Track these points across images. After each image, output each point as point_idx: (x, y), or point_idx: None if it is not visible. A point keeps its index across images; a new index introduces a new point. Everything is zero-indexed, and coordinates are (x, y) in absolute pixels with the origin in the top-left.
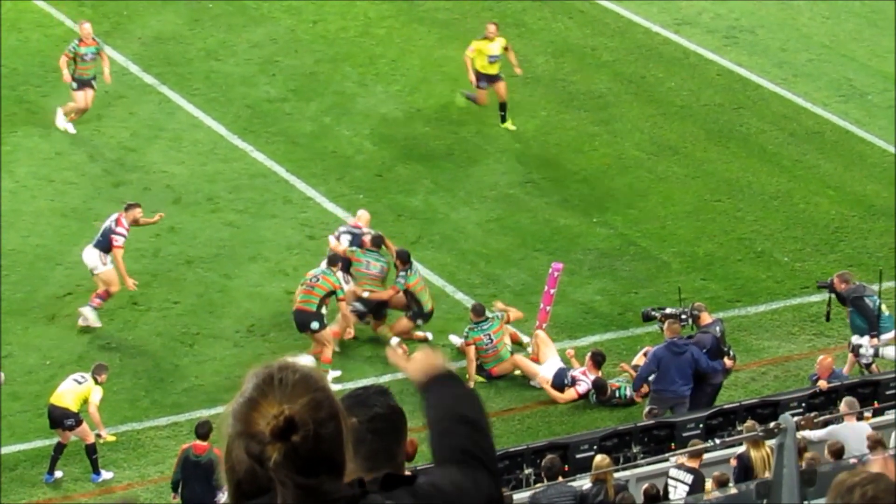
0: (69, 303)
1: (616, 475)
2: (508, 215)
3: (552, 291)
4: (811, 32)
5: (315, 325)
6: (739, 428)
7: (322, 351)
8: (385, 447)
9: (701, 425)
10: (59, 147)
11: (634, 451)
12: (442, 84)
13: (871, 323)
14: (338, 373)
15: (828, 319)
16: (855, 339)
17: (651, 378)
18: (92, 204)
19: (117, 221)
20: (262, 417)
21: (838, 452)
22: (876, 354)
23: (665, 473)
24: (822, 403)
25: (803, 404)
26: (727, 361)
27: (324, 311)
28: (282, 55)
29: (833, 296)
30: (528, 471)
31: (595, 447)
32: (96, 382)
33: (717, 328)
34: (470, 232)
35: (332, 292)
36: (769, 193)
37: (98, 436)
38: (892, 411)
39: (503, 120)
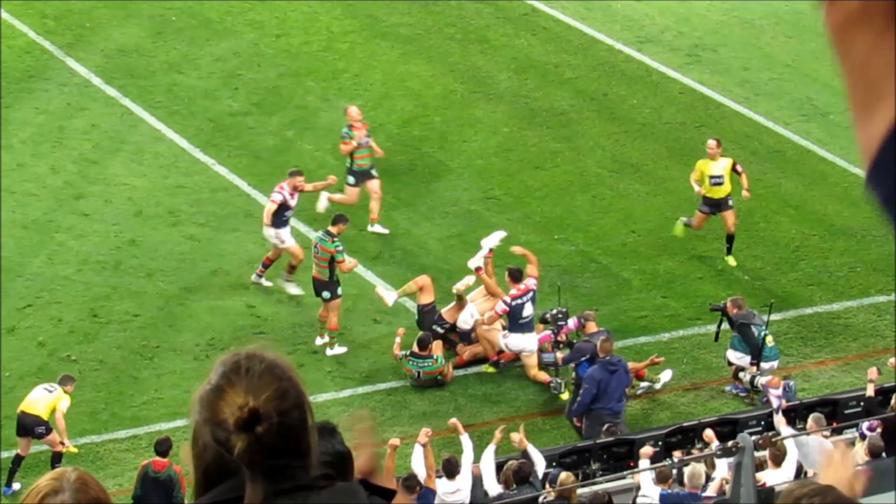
0: (29, 314)
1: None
2: (470, 231)
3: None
4: (773, 52)
5: (326, 294)
6: (699, 445)
7: (330, 318)
8: None
9: (660, 443)
10: (20, 158)
11: (594, 467)
12: (404, 100)
13: (752, 351)
14: (344, 349)
15: (716, 340)
16: (731, 356)
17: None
18: (53, 216)
19: (279, 186)
20: (227, 406)
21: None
22: (752, 381)
23: (625, 490)
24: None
25: (762, 423)
26: None
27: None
28: (245, 69)
29: (725, 318)
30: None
31: (554, 463)
32: (64, 392)
33: (602, 338)
34: (431, 247)
35: (332, 258)
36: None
37: (61, 444)
38: (851, 430)
39: (728, 252)
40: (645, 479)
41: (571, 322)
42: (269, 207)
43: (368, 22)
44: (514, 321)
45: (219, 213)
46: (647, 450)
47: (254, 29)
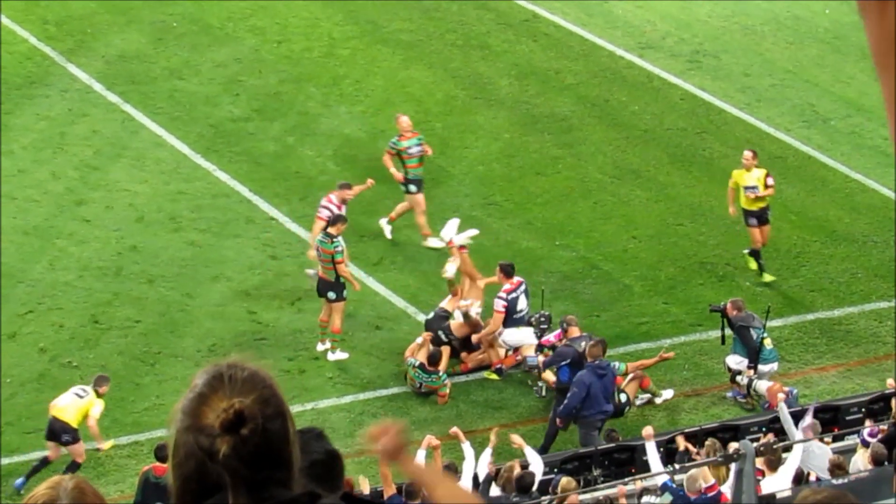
0: (30, 321)
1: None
2: None
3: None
4: (774, 58)
5: (332, 294)
6: (700, 451)
7: (333, 320)
8: (323, 491)
9: (661, 449)
10: (21, 164)
11: (595, 474)
12: (405, 105)
13: (750, 354)
14: (345, 355)
15: (722, 343)
16: (730, 361)
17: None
18: (54, 222)
19: (327, 199)
20: (212, 411)
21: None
22: (749, 384)
23: (627, 496)
24: (782, 428)
25: (763, 429)
26: None
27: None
28: (246, 75)
29: (725, 320)
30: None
31: (556, 470)
32: (97, 395)
33: (583, 343)
34: (432, 254)
35: (332, 257)
36: (731, 218)
37: (97, 449)
38: (853, 436)
39: (760, 268)
40: (653, 460)
41: (553, 336)
42: (318, 225)
43: (369, 28)
44: (509, 316)
45: (220, 218)
46: (648, 430)
47: (255, 35)
